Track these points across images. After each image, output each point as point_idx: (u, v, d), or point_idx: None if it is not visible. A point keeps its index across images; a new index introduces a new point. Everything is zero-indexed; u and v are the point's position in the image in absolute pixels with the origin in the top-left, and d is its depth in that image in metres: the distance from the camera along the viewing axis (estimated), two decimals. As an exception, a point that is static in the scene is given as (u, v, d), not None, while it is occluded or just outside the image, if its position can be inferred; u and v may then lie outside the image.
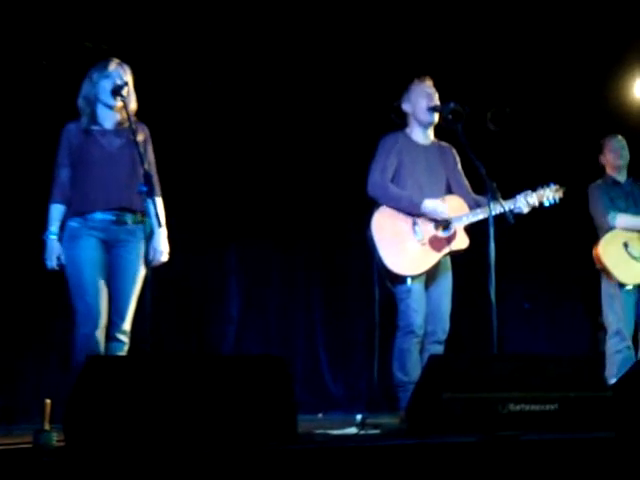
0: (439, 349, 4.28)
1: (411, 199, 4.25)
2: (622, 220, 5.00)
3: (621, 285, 4.92)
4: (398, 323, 4.27)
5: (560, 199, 4.49)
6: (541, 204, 4.42)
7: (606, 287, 5.01)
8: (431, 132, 4.48)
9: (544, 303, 6.44)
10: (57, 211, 3.83)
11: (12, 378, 4.92)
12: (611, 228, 5.03)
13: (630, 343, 4.90)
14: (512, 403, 3.34)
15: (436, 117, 4.40)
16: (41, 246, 3.82)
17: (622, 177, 5.17)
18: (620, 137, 5.17)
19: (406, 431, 3.49)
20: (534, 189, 4.41)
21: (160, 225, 3.77)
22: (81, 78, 3.92)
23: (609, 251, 4.96)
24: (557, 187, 4.48)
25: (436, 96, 4.40)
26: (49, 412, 3.01)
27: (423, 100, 4.38)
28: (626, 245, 4.95)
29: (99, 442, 2.78)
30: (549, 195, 4.43)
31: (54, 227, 3.81)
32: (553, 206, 4.47)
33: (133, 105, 3.93)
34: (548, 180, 4.76)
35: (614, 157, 5.15)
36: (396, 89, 4.57)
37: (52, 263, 3.79)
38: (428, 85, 4.42)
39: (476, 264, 4.40)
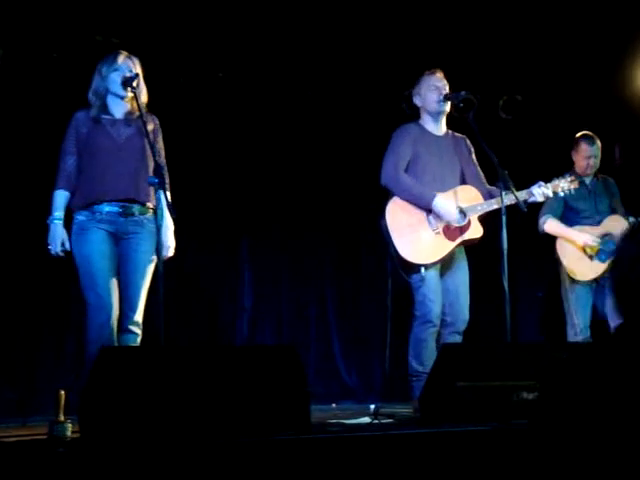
0: (458, 339, 4.28)
1: (423, 194, 4.24)
2: (550, 226, 4.97)
3: (573, 279, 4.92)
4: (415, 313, 4.26)
5: (575, 190, 4.48)
6: (555, 194, 4.42)
7: (563, 279, 5.00)
8: (444, 123, 4.47)
9: (557, 291, 6.40)
10: (61, 197, 3.81)
11: (26, 370, 4.94)
12: (541, 232, 5.01)
13: (587, 335, 4.86)
14: (526, 391, 3.33)
15: (447, 106, 4.38)
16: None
17: (588, 178, 5.06)
18: (594, 140, 5.01)
19: (419, 420, 3.50)
20: (549, 180, 4.40)
21: (173, 216, 3.75)
22: (91, 71, 3.93)
23: (565, 245, 4.95)
24: (572, 178, 4.49)
25: (446, 87, 4.38)
26: (63, 403, 3.02)
27: (432, 94, 4.36)
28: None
29: (114, 433, 2.79)
30: (564, 186, 4.43)
31: (59, 212, 3.79)
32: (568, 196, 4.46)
33: (144, 97, 3.93)
34: (560, 168, 4.75)
35: (583, 162, 5.02)
36: (407, 79, 4.56)
37: (56, 248, 3.76)
38: (437, 78, 4.39)
39: (489, 253, 4.39)
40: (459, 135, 4.52)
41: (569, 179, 4.45)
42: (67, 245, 3.77)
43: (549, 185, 4.37)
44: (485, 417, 3.23)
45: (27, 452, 2.67)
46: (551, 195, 4.38)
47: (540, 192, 4.32)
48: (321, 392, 5.40)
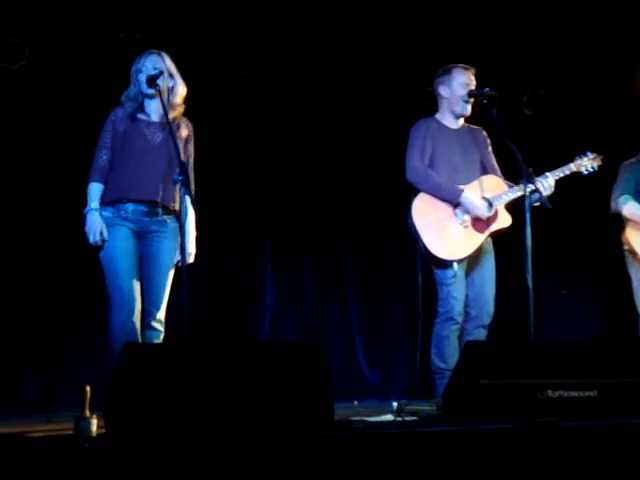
0: (483, 333, 4.26)
1: (451, 188, 4.22)
2: (630, 208, 4.77)
3: None
4: (438, 309, 4.26)
5: (599, 167, 4.41)
6: (579, 173, 4.37)
7: (635, 271, 4.83)
8: (461, 118, 4.46)
9: (582, 288, 6.35)
10: (96, 189, 3.82)
11: (51, 365, 4.98)
12: (617, 212, 4.82)
13: None
14: (550, 389, 3.31)
15: (469, 110, 4.37)
16: (80, 232, 3.81)
17: None
18: None
19: (443, 418, 3.49)
20: (571, 160, 4.35)
21: (196, 211, 3.75)
22: (115, 67, 3.95)
23: (637, 232, 4.78)
24: (594, 155, 4.42)
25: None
26: (89, 399, 3.04)
27: (463, 91, 4.35)
28: None
29: (139, 428, 2.81)
30: (587, 164, 4.38)
31: (95, 203, 3.80)
32: (592, 174, 4.39)
33: (182, 89, 3.94)
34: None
35: None
36: (430, 76, 4.54)
37: (95, 237, 3.76)
38: (471, 77, 4.38)
39: (512, 250, 4.37)
40: (475, 127, 4.51)
41: (592, 156, 4.39)
42: (105, 234, 3.77)
43: (572, 165, 4.33)
44: (509, 415, 3.21)
45: (53, 448, 2.69)
46: (553, 184, 4.23)
47: (547, 185, 4.25)
48: (343, 389, 5.40)
